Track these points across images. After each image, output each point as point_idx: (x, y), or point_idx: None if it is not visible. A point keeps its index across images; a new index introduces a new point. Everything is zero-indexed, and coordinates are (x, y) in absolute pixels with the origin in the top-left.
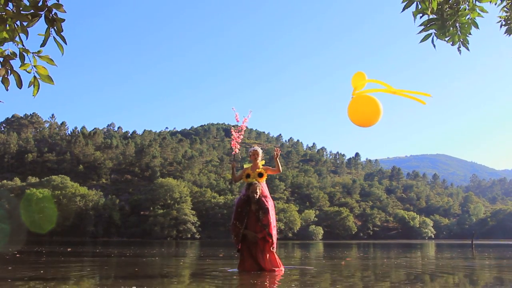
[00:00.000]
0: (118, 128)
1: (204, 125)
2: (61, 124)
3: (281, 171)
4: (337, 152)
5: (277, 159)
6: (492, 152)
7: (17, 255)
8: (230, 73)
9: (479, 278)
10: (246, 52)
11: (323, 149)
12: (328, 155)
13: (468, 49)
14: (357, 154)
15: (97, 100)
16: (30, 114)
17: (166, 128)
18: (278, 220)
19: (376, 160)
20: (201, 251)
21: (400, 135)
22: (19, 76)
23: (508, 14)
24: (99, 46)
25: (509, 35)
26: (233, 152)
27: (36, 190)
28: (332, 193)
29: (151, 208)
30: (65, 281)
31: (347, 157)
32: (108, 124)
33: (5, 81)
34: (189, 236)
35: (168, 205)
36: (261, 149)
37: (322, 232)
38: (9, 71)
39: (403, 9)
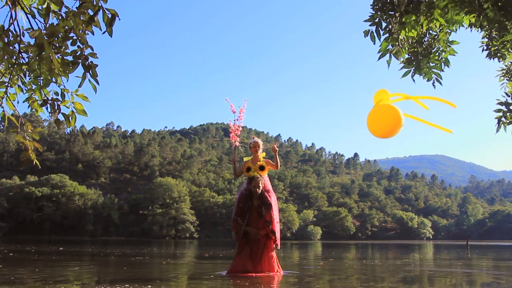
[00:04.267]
0: (117, 127)
1: (203, 124)
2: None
3: (279, 167)
4: (336, 152)
5: (276, 154)
6: (491, 153)
7: (10, 254)
8: (229, 73)
9: (465, 280)
10: (245, 52)
11: (322, 149)
12: (327, 155)
13: (441, 84)
14: (356, 155)
15: (96, 99)
16: (30, 113)
17: (165, 127)
18: None
19: (374, 160)
20: (190, 251)
21: (399, 136)
22: (68, 117)
23: (488, 41)
24: (98, 45)
25: (490, 58)
26: (233, 146)
27: (35, 189)
28: (331, 193)
29: (150, 207)
30: (45, 282)
31: (346, 157)
32: (107, 123)
33: (57, 123)
34: (187, 235)
35: (167, 205)
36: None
37: (321, 232)
38: (58, 111)
39: (379, 58)
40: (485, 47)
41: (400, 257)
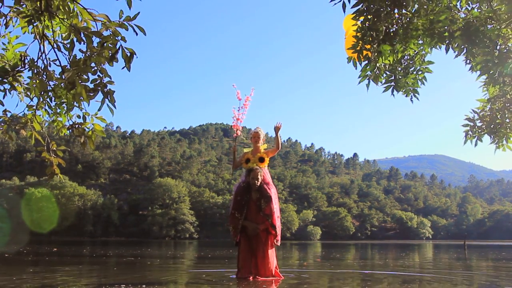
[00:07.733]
0: (117, 127)
1: (203, 125)
2: None
3: (280, 148)
4: (335, 153)
5: (278, 134)
6: (490, 153)
7: (6, 255)
8: (228, 73)
9: (454, 280)
10: (244, 52)
11: (321, 149)
12: (326, 155)
13: (418, 99)
14: (355, 155)
15: (96, 99)
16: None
17: (165, 128)
18: None
19: (374, 160)
20: (186, 252)
21: (398, 136)
22: (92, 141)
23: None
24: None
25: (472, 71)
26: (235, 135)
27: (35, 190)
28: (330, 194)
29: (150, 208)
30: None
31: (345, 158)
32: (106, 124)
33: (83, 145)
34: (187, 236)
35: (167, 205)
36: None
37: (320, 232)
38: (83, 134)
39: (359, 83)
40: (468, 61)
41: (398, 258)
